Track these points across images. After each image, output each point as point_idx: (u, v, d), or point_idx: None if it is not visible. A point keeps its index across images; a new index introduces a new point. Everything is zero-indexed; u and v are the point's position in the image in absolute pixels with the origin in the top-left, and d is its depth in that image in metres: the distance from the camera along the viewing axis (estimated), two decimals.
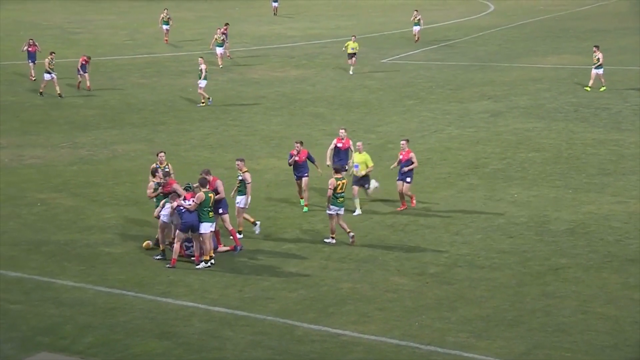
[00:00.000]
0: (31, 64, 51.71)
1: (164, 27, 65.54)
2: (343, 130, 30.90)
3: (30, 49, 51.63)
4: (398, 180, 29.56)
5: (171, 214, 24.95)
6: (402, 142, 29.88)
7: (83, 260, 25.19)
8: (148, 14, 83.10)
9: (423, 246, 26.25)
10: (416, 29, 65.93)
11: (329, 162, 30.32)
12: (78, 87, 49.26)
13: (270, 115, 43.98)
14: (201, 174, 26.16)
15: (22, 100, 47.56)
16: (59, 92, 47.57)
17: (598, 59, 47.81)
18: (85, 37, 70.42)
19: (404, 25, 69.58)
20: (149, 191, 26.08)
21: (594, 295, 22.67)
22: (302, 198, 29.71)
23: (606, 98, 46.56)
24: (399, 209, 29.46)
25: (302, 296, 22.71)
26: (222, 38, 56.70)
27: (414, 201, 29.81)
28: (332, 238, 26.58)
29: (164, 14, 65.78)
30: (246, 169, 26.92)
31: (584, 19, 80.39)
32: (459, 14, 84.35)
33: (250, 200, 26.94)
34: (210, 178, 25.73)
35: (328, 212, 26.54)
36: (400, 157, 29.56)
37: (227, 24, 61.23)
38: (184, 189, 25.34)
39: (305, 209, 29.36)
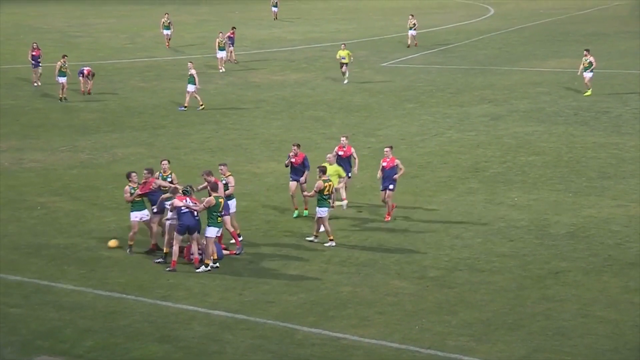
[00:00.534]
0: (35, 69, 51.39)
1: (165, 32, 65.41)
2: (344, 138, 30.41)
3: (34, 52, 51.37)
4: (382, 189, 28.85)
5: (171, 210, 24.93)
6: (385, 149, 29.18)
7: (83, 263, 25.19)
8: (148, 18, 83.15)
9: (423, 250, 26.24)
10: (412, 33, 65.81)
11: None
12: (83, 93, 49.15)
13: (270, 119, 43.99)
14: (202, 175, 26.22)
15: (22, 103, 47.57)
16: (62, 95, 47.45)
17: (590, 62, 47.66)
18: (85, 40, 70.45)
19: (404, 29, 69.51)
20: (126, 195, 26.00)
21: (594, 299, 22.66)
22: (296, 208, 29.09)
23: (606, 101, 46.57)
24: (386, 219, 28.80)
25: (302, 300, 22.70)
26: (224, 42, 56.60)
27: (390, 215, 28.79)
28: (331, 240, 26.62)
29: (165, 19, 65.68)
30: (230, 173, 26.86)
31: (584, 22, 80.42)
32: (459, 18, 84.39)
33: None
34: (212, 179, 25.76)
35: (320, 215, 26.54)
36: (384, 164, 28.81)
37: (233, 28, 61.06)
38: (183, 191, 25.34)
39: (305, 212, 29.10)
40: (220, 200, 24.84)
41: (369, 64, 59.22)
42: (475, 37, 71.02)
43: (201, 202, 24.88)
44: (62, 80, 47.47)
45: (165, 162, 27.30)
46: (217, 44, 57.07)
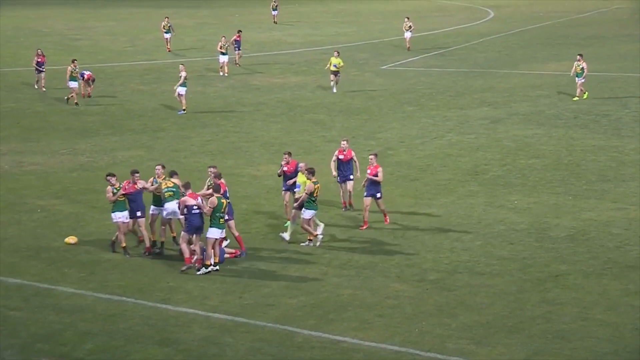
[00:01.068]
0: (39, 74, 51.10)
1: (166, 35, 65.31)
2: (345, 142, 30.15)
3: (39, 59, 51.05)
4: (366, 196, 28.23)
5: (180, 209, 25.03)
6: (370, 156, 28.71)
7: (83, 266, 25.19)
8: (148, 21, 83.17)
9: (423, 253, 26.24)
10: (407, 36, 65.71)
11: (334, 173, 29.81)
12: (83, 96, 49.13)
13: (270, 122, 44.00)
14: (210, 174, 26.29)
15: (22, 106, 47.57)
16: (70, 98, 47.27)
17: (582, 68, 47.55)
18: (85, 43, 70.47)
19: (403, 31, 69.55)
20: (109, 195, 26.06)
21: (594, 302, 22.65)
22: (289, 219, 28.22)
23: (606, 104, 46.58)
24: (361, 227, 28.27)
25: (302, 303, 22.70)
26: (226, 46, 56.35)
27: (387, 217, 28.53)
28: (311, 240, 26.74)
29: (165, 22, 65.55)
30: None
31: (583, 25, 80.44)
32: (458, 21, 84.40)
33: None
34: (219, 182, 25.81)
35: (305, 216, 26.54)
36: (368, 171, 28.32)
37: (239, 31, 60.79)
38: (181, 194, 25.48)
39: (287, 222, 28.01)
40: (222, 201, 24.87)
41: (368, 67, 59.24)
42: (475, 40, 71.04)
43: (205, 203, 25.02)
44: (74, 85, 47.30)
45: (159, 167, 27.09)
46: (219, 47, 56.77)
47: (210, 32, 75.98)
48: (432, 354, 19.94)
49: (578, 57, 48.28)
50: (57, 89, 50.58)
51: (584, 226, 28.41)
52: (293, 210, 27.19)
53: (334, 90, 50.45)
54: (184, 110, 45.62)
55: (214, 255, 24.80)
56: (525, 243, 26.97)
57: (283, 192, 28.92)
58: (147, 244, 26.27)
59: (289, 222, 27.48)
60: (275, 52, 65.67)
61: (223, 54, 56.16)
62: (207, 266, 24.64)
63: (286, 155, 28.90)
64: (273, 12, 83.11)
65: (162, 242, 26.37)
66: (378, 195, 28.21)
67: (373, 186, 28.19)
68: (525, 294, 23.21)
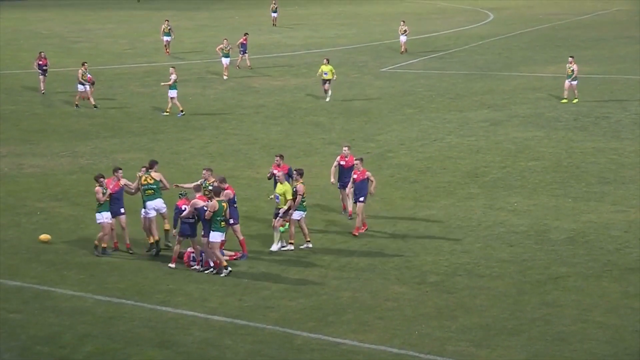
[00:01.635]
0: (41, 77, 50.86)
1: (165, 38, 65.12)
2: (346, 148, 29.62)
3: (40, 62, 50.88)
4: (354, 202, 28.01)
5: (189, 212, 25.23)
6: (356, 161, 28.15)
7: (82, 269, 25.19)
8: (148, 23, 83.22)
9: (423, 255, 26.23)
10: (403, 39, 65.58)
11: (333, 180, 29.53)
12: (83, 98, 49.11)
13: (270, 124, 44.00)
14: (215, 180, 26.31)
15: (22, 109, 47.58)
16: (93, 103, 47.14)
17: (573, 70, 47.41)
18: (85, 46, 70.49)
19: (409, 33, 69.62)
20: (99, 196, 26.16)
21: (594, 304, 22.65)
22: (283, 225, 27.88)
23: (606, 107, 46.59)
24: (360, 231, 27.95)
25: (301, 305, 22.69)
26: (228, 48, 56.08)
27: (360, 230, 27.81)
28: (291, 244, 26.74)
29: (165, 25, 65.39)
30: (214, 179, 26.78)
31: (583, 27, 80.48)
32: (458, 23, 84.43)
33: None
34: (225, 186, 25.81)
35: (295, 217, 26.53)
36: (355, 176, 27.89)
37: (246, 34, 60.63)
38: (179, 195, 25.54)
39: (282, 228, 27.54)
40: (223, 204, 24.88)
41: (368, 69, 59.26)
42: (474, 43, 71.05)
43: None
44: (81, 88, 47.08)
45: (143, 169, 27.09)
46: (218, 49, 56.76)
47: (210, 34, 76.01)
48: (432, 356, 19.93)
49: (570, 59, 48.10)
50: (57, 92, 50.57)
51: (584, 228, 28.41)
52: (275, 220, 26.65)
53: (327, 100, 48.74)
54: (168, 112, 45.56)
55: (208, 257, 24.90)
56: (525, 245, 26.97)
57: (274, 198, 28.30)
58: (127, 240, 26.54)
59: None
60: (275, 55, 65.68)
61: (226, 56, 55.93)
62: (226, 267, 24.67)
63: (278, 158, 28.60)
64: (273, 15, 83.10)
65: (157, 241, 26.45)
66: (361, 199, 27.72)
67: (359, 191, 27.76)
68: (524, 296, 23.21)
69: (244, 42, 59.25)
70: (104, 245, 26.28)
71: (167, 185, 27.19)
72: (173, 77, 45.31)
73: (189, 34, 75.45)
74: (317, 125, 43.72)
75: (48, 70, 51.25)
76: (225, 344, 20.50)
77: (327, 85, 48.88)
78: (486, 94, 50.57)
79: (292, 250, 26.68)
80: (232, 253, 26.01)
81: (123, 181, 26.71)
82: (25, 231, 28.40)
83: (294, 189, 26.65)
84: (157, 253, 26.27)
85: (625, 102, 47.89)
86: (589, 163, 36.24)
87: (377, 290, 23.66)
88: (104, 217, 26.20)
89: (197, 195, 25.34)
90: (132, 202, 27.59)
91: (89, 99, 48.10)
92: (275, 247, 26.68)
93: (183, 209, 25.24)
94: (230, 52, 56.16)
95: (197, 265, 25.23)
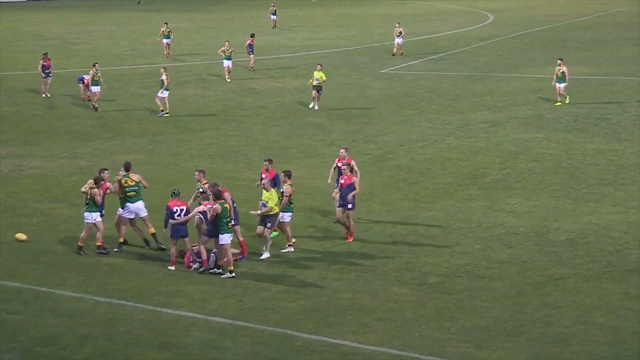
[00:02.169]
0: (45, 79, 50.39)
1: (165, 40, 65.02)
2: (344, 150, 29.25)
3: (45, 63, 50.33)
4: (338, 207, 27.38)
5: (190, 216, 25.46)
6: (343, 167, 27.82)
7: (82, 270, 25.18)
8: (147, 25, 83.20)
9: (423, 256, 26.23)
10: (398, 41, 65.45)
11: (329, 181, 29.46)
12: (83, 99, 49.11)
13: (270, 126, 44.00)
14: (207, 183, 26.31)
15: (21, 110, 47.57)
16: (95, 105, 46.91)
17: (563, 72, 47.19)
18: (85, 47, 70.50)
19: (404, 35, 69.57)
20: (98, 198, 26.40)
21: (594, 306, 22.65)
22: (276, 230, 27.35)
23: (606, 108, 46.60)
24: (348, 240, 27.44)
25: (301, 306, 22.69)
26: (230, 51, 55.78)
27: (352, 235, 27.46)
28: (291, 245, 26.73)
29: (164, 28, 65.17)
30: (206, 181, 26.71)
31: (583, 29, 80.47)
32: (458, 25, 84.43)
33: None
34: (217, 189, 25.78)
35: (286, 219, 26.50)
36: (342, 182, 27.45)
37: (252, 35, 60.47)
38: (171, 194, 25.59)
39: (274, 233, 27.10)
40: (226, 205, 24.89)
41: (368, 71, 59.25)
42: (474, 44, 71.05)
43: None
44: (95, 89, 46.92)
45: (106, 171, 27.42)
46: (220, 51, 56.49)
47: (210, 35, 76.02)
48: (432, 357, 19.93)
49: (559, 61, 47.76)
50: (57, 94, 50.55)
51: (584, 230, 28.41)
52: (264, 229, 26.09)
53: (316, 108, 46.70)
54: (163, 112, 45.49)
55: (219, 259, 24.88)
56: (524, 247, 26.97)
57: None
58: (101, 240, 26.73)
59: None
60: (275, 56, 65.66)
61: (227, 58, 55.72)
62: (231, 271, 24.67)
63: (267, 163, 28.21)
64: (272, 17, 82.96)
65: (123, 242, 26.77)
66: (349, 206, 27.24)
67: (346, 196, 27.24)
68: (524, 297, 23.21)
69: (251, 42, 59.09)
70: (81, 244, 26.50)
71: (146, 184, 27.36)
72: (163, 77, 45.32)
73: (188, 36, 75.45)
74: (317, 126, 43.72)
75: (50, 71, 50.96)
76: (225, 345, 20.50)
77: (318, 93, 46.78)
78: (486, 96, 50.56)
79: (292, 251, 26.66)
80: (237, 251, 26.08)
81: (108, 184, 26.86)
82: (25, 232, 28.35)
83: (281, 190, 26.52)
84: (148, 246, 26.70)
85: (625, 103, 47.89)
86: (588, 164, 36.24)
87: (377, 291, 23.66)
88: (93, 217, 26.36)
89: (204, 202, 25.38)
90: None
91: (89, 99, 48.04)
92: (265, 255, 26.19)
93: (174, 210, 25.26)
94: (232, 54, 55.81)
95: (195, 264, 25.24)
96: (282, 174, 27.06)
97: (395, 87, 53.69)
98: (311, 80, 47.25)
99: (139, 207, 26.82)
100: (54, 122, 44.83)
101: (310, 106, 46.90)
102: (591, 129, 42.36)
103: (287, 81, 55.89)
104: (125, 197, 26.71)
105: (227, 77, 55.62)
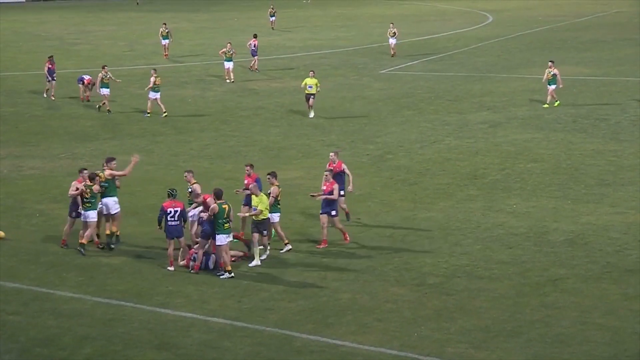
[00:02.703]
0: (49, 83, 50.04)
1: (164, 41, 64.97)
2: (333, 154, 28.83)
3: (50, 66, 49.84)
4: (321, 213, 26.96)
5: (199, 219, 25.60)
6: (325, 172, 27.44)
7: (82, 271, 25.18)
8: (147, 25, 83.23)
9: (422, 257, 26.23)
10: (392, 42, 65.41)
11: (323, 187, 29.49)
12: (82, 100, 49.07)
13: (269, 126, 44.01)
14: (197, 183, 26.39)
15: (21, 111, 47.58)
16: (107, 107, 46.70)
17: (554, 74, 47.11)
18: (84, 47, 70.52)
19: (403, 36, 69.64)
20: (97, 187, 26.68)
21: (593, 306, 22.65)
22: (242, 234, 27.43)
23: (605, 109, 46.62)
24: (318, 246, 26.92)
25: (301, 307, 22.69)
26: (231, 52, 55.60)
27: (347, 238, 27.33)
28: (287, 244, 26.68)
29: (163, 29, 65.16)
30: (195, 181, 26.68)
31: (582, 29, 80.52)
32: (457, 25, 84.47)
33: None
34: (201, 198, 25.75)
35: (275, 220, 26.49)
36: (324, 187, 27.05)
37: (255, 35, 60.27)
38: (168, 193, 25.60)
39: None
40: (224, 206, 24.89)
41: (367, 71, 59.27)
42: (474, 44, 71.08)
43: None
44: (105, 91, 46.61)
45: (85, 170, 27.60)
46: (221, 53, 56.34)
47: (210, 36, 76.05)
48: (431, 358, 19.94)
49: (550, 63, 47.68)
50: (57, 94, 50.54)
51: (583, 230, 28.41)
52: (260, 236, 25.79)
53: (311, 116, 45.46)
54: (148, 113, 45.56)
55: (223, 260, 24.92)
56: (524, 247, 26.97)
57: (242, 207, 27.41)
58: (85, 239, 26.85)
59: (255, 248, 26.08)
60: (274, 57, 65.68)
61: (228, 60, 55.58)
62: (230, 271, 24.67)
63: (248, 168, 27.85)
64: (271, 18, 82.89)
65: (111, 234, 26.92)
66: (333, 212, 26.88)
67: (327, 203, 26.97)
68: (524, 298, 23.21)
69: (256, 43, 58.94)
70: (65, 238, 26.84)
71: (125, 172, 27.50)
72: (152, 79, 45.32)
73: (188, 36, 75.48)
74: (316, 127, 43.72)
75: (55, 74, 50.74)
76: (224, 345, 20.50)
77: (311, 100, 45.44)
78: (485, 96, 50.58)
79: (291, 249, 26.60)
80: (241, 253, 26.08)
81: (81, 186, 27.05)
82: (24, 233, 28.39)
83: (268, 192, 26.47)
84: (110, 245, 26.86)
85: (625, 104, 47.90)
86: (588, 165, 36.25)
87: (377, 292, 23.66)
88: (92, 215, 26.62)
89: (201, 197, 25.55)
90: None
91: (88, 100, 47.93)
92: (258, 261, 25.78)
93: (168, 211, 25.27)
94: (233, 56, 55.63)
95: (196, 268, 25.20)
96: (268, 175, 26.92)
97: (394, 87, 53.71)
98: (303, 85, 45.89)
99: (107, 202, 26.96)
100: (54, 123, 44.82)
101: (311, 116, 45.52)
102: (590, 129, 42.37)
103: (286, 81, 55.89)
104: (81, 205, 26.82)
105: (227, 78, 55.49)
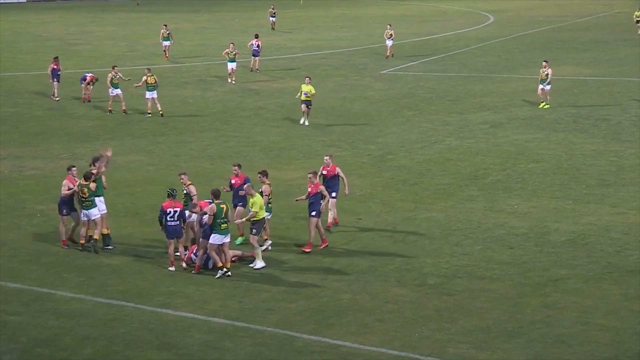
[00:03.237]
0: (55, 83, 49.69)
1: (165, 43, 64.88)
2: (327, 157, 28.62)
3: (55, 67, 49.50)
4: (312, 216, 26.64)
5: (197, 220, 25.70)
6: (309, 174, 27.17)
7: (83, 271, 25.18)
8: (147, 25, 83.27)
9: (423, 257, 26.23)
10: (389, 43, 65.22)
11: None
12: (84, 100, 49.07)
13: (270, 126, 44.00)
14: (192, 184, 26.46)
15: (21, 111, 47.57)
16: (124, 108, 46.53)
17: (547, 74, 47.08)
18: (85, 48, 70.52)
19: (403, 36, 69.73)
20: (93, 184, 27.04)
21: (594, 307, 22.65)
22: (241, 235, 27.41)
23: (606, 109, 46.63)
24: (319, 246, 26.76)
25: (302, 307, 22.69)
26: (234, 53, 55.36)
27: (314, 245, 26.73)
28: (266, 239, 26.75)
29: (164, 30, 64.99)
30: (190, 182, 26.66)
31: (583, 30, 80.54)
32: (458, 25, 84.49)
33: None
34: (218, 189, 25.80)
35: (267, 218, 26.48)
36: (309, 189, 26.84)
37: (257, 35, 60.08)
38: (167, 194, 25.60)
39: (240, 239, 27.24)
40: (222, 206, 24.88)
41: (368, 72, 59.27)
42: (474, 45, 71.10)
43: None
44: (117, 91, 46.40)
45: (74, 168, 28.02)
46: (224, 53, 56.20)
47: (210, 36, 76.05)
48: (432, 358, 19.93)
49: (544, 63, 47.67)
50: (59, 95, 50.56)
51: (584, 230, 28.41)
52: (251, 236, 25.57)
53: (306, 124, 43.72)
54: (149, 114, 45.63)
55: (225, 260, 24.84)
56: (525, 247, 26.96)
57: (235, 207, 27.34)
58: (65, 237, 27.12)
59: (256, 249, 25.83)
60: (275, 57, 65.68)
61: (232, 60, 55.39)
62: (221, 268, 24.67)
63: (236, 168, 27.73)
64: (271, 19, 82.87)
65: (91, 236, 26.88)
66: (313, 213, 26.52)
67: (314, 204, 26.72)
68: (525, 298, 23.21)
69: (258, 43, 58.87)
70: (64, 237, 26.99)
71: (96, 169, 27.70)
72: (144, 78, 45.32)
73: (189, 37, 75.50)
74: (316, 127, 43.70)
75: (59, 75, 50.61)
76: (225, 346, 20.50)
77: (305, 107, 43.71)
78: (486, 96, 50.59)
79: (270, 243, 26.66)
80: (248, 253, 26.09)
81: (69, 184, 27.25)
82: (25, 233, 28.39)
83: (260, 191, 26.45)
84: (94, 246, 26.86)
85: (625, 104, 47.91)
86: (589, 165, 36.25)
87: (377, 292, 23.66)
88: (94, 214, 26.72)
89: (201, 203, 25.53)
90: None
91: (89, 100, 47.87)
92: (259, 263, 25.52)
93: (168, 211, 25.27)
94: (236, 56, 55.50)
95: (196, 269, 25.20)
96: (259, 174, 26.89)
97: (395, 88, 53.72)
98: (299, 94, 43.94)
99: (90, 213, 26.87)
100: (54, 123, 44.82)
101: (301, 122, 43.96)
102: (591, 129, 42.37)
103: (287, 82, 55.88)
104: (81, 205, 26.91)
105: (229, 79, 55.37)
